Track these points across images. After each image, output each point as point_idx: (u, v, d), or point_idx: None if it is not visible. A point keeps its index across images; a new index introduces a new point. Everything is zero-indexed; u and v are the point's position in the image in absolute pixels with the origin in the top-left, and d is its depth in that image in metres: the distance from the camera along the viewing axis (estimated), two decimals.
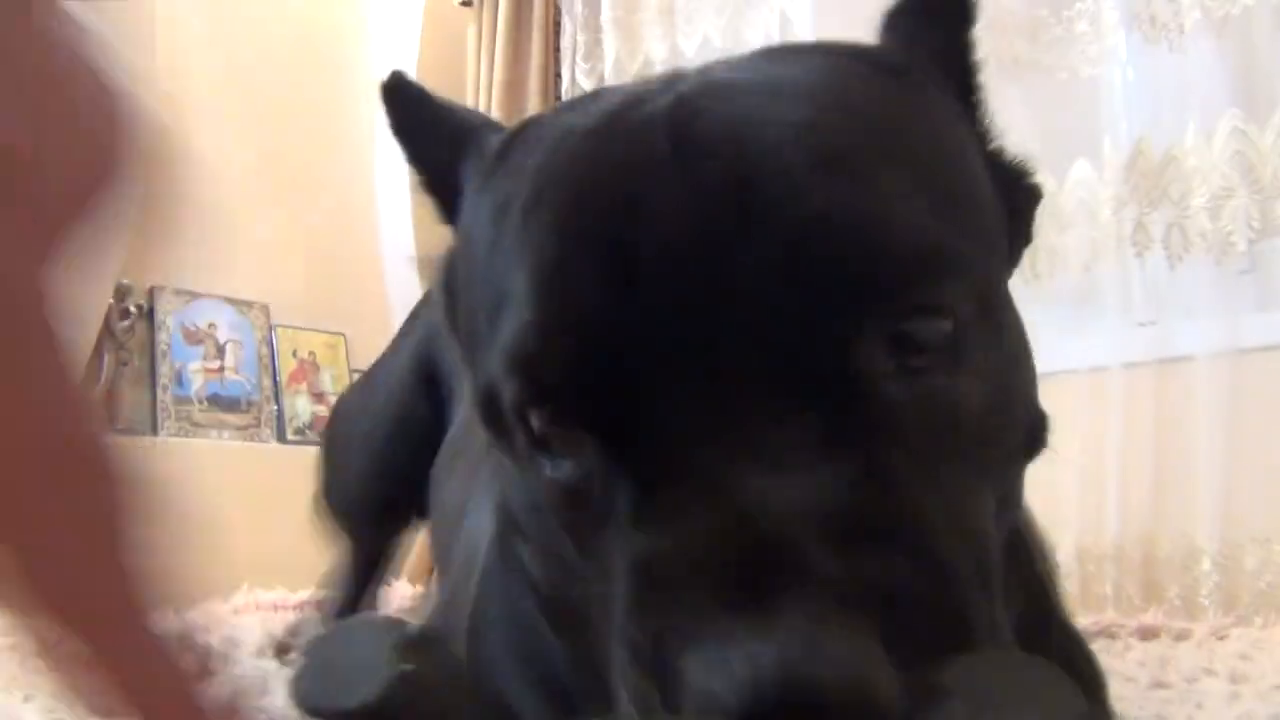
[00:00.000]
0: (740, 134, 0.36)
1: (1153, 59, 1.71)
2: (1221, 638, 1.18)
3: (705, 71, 0.42)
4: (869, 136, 0.38)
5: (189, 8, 2.24)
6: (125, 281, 2.02)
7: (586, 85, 2.39)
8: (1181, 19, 1.63)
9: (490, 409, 0.39)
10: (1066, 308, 1.78)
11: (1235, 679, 0.85)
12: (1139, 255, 1.70)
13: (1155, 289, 1.75)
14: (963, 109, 0.46)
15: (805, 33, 1.99)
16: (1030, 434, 0.44)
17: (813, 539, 0.31)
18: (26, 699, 0.79)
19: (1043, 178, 1.69)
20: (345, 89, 2.59)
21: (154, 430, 2.04)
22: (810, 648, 0.27)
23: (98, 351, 1.97)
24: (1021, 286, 1.68)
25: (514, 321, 0.37)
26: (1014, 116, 1.84)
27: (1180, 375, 1.65)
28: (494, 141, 0.46)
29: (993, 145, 0.47)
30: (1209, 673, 0.87)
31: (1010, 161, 0.47)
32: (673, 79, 0.42)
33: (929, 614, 0.31)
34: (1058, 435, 1.67)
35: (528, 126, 0.45)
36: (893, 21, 0.47)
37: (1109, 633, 1.25)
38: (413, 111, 0.52)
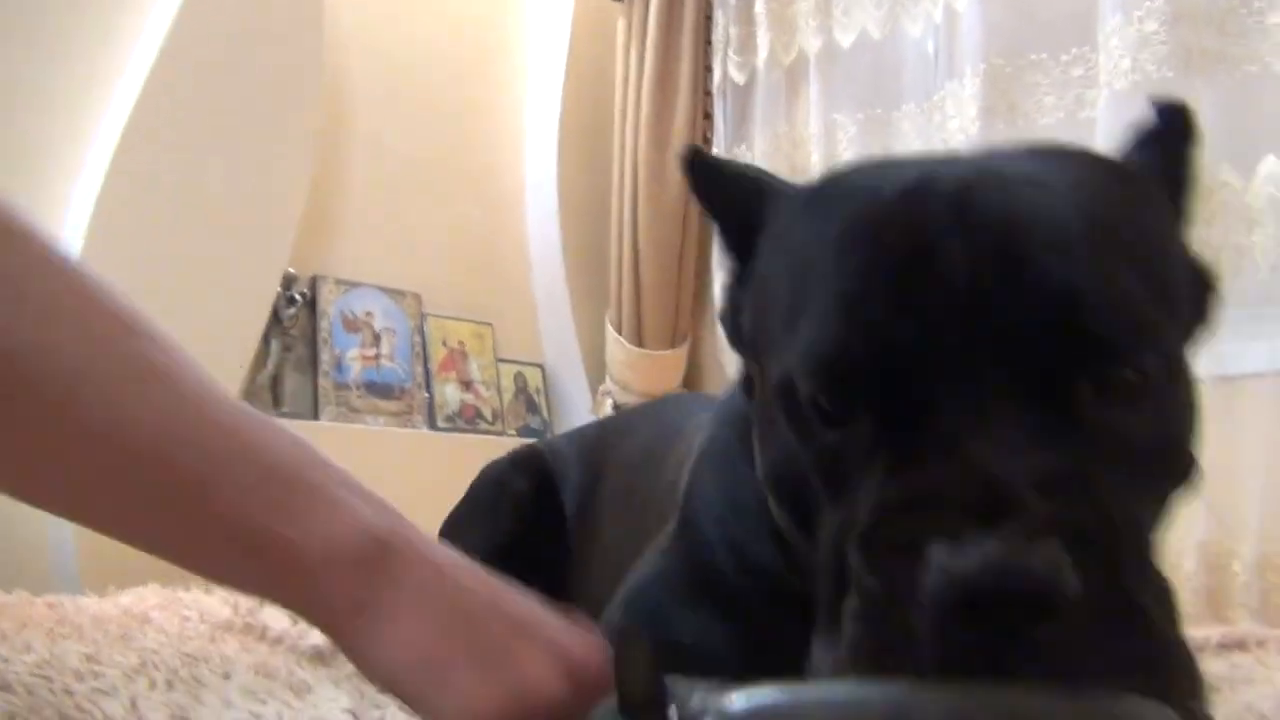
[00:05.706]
0: (1007, 218, 0.49)
1: None
2: None
3: (983, 160, 0.55)
4: (1106, 232, 0.50)
5: (351, 3, 2.29)
6: (291, 270, 2.08)
7: (739, 79, 2.37)
8: None
9: (785, 392, 0.53)
10: (1252, 308, 1.71)
11: None
12: None
13: None
14: (1178, 212, 0.60)
15: (972, 25, 1.95)
16: (1185, 473, 0.54)
17: (1025, 489, 0.43)
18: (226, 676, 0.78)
19: (1230, 174, 1.62)
20: (498, 84, 2.62)
21: (315, 415, 2.10)
22: (1025, 549, 0.40)
23: (265, 338, 2.03)
24: None
25: (816, 331, 0.50)
26: (1201, 111, 1.77)
27: None
28: (800, 190, 0.60)
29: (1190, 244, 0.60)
30: None
31: (1200, 260, 0.59)
32: (954, 161, 0.55)
33: (1105, 550, 0.43)
34: (1240, 440, 1.59)
35: (833, 182, 0.58)
36: (1136, 136, 0.61)
37: None
38: (708, 175, 0.65)
